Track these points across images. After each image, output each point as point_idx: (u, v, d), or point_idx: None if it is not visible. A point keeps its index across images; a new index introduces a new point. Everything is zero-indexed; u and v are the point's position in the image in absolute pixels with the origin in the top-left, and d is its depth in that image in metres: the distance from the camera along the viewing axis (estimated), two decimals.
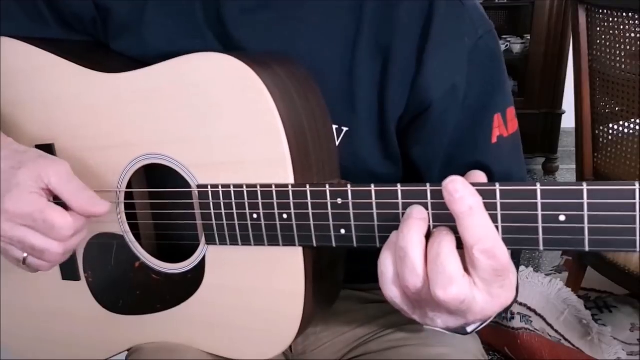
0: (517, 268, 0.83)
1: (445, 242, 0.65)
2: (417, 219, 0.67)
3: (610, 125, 2.07)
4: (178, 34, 0.90)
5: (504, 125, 0.88)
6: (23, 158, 0.82)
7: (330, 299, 0.92)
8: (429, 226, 0.68)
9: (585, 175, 2.17)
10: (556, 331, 2.16)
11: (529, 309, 2.20)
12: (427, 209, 0.68)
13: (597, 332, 2.15)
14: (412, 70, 0.85)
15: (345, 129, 0.88)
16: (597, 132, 2.12)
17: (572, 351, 2.08)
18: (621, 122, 2.01)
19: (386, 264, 0.69)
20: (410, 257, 0.65)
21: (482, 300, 0.66)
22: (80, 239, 0.86)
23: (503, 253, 0.64)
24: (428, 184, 0.68)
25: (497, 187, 0.65)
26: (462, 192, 0.63)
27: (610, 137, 2.08)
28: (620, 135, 2.03)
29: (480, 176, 0.73)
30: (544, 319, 2.18)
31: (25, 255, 0.83)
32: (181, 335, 0.93)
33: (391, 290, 0.70)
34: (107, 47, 0.95)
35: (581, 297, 2.31)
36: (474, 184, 0.65)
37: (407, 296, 0.69)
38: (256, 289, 0.85)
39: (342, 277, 0.92)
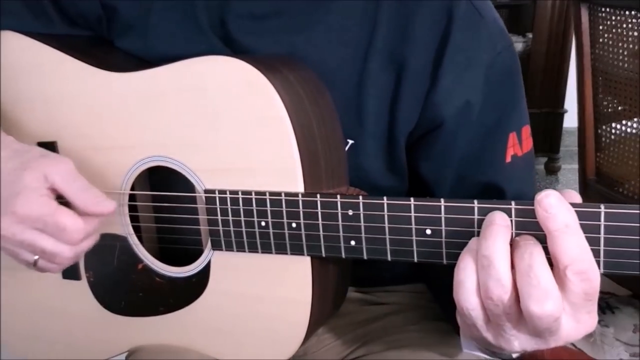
0: None
1: (536, 252, 0.61)
2: (500, 226, 0.63)
3: (613, 125, 2.08)
4: (183, 38, 0.89)
5: (519, 144, 0.86)
6: (26, 158, 0.81)
7: (336, 305, 0.91)
8: (442, 242, 0.67)
9: (587, 175, 2.17)
10: None
11: None
12: (440, 224, 0.67)
13: (599, 333, 2.15)
14: (426, 85, 0.83)
15: (350, 141, 0.86)
16: (599, 131, 2.13)
17: (573, 352, 2.07)
18: (624, 122, 2.02)
19: (467, 273, 0.64)
20: (496, 267, 0.61)
21: (568, 326, 0.62)
22: (91, 243, 0.85)
23: (596, 276, 0.60)
24: (442, 200, 0.67)
25: (513, 205, 0.64)
26: (557, 207, 0.60)
27: (612, 137, 2.08)
28: (622, 134, 2.03)
29: (574, 196, 0.65)
30: None
31: (36, 257, 0.82)
32: (184, 339, 0.92)
33: (469, 302, 0.64)
34: (111, 43, 0.94)
35: None
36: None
37: (486, 309, 0.64)
38: (262, 295, 0.84)
39: (349, 283, 0.92)
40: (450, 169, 0.86)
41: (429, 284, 1.06)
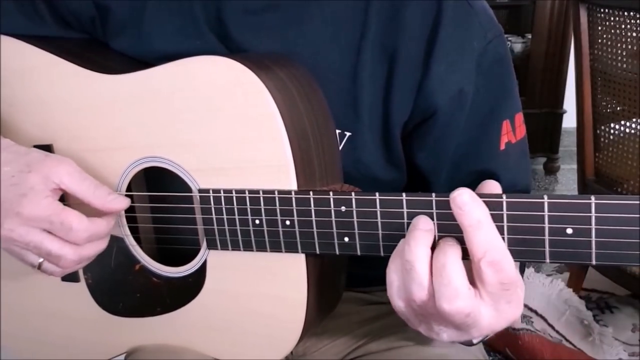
0: None
1: (450, 253, 0.64)
2: (423, 231, 0.66)
3: (612, 125, 2.07)
4: (178, 35, 0.89)
5: (512, 131, 0.87)
6: (29, 160, 0.81)
7: (332, 304, 0.91)
8: (435, 237, 0.68)
9: (586, 175, 2.16)
10: (557, 332, 2.16)
11: (530, 309, 2.20)
12: (432, 219, 0.68)
13: (598, 333, 2.14)
14: (418, 74, 0.83)
15: (348, 133, 0.87)
16: (598, 131, 2.12)
17: (573, 352, 2.08)
18: (622, 122, 2.01)
19: (393, 274, 0.68)
20: (417, 270, 0.65)
21: (489, 316, 0.65)
22: (96, 249, 0.85)
23: (510, 266, 0.63)
24: (433, 194, 0.68)
25: (504, 198, 0.64)
26: (470, 205, 0.63)
27: (611, 137, 2.07)
28: (621, 134, 2.03)
29: (494, 186, 0.72)
30: (545, 320, 2.18)
31: (41, 260, 0.82)
32: (182, 339, 0.93)
33: (397, 302, 0.69)
34: (106, 45, 0.94)
35: (582, 298, 2.30)
36: (480, 195, 0.64)
37: (413, 308, 0.68)
38: (258, 294, 0.84)
39: (344, 282, 0.92)
40: (446, 157, 0.87)
41: None
